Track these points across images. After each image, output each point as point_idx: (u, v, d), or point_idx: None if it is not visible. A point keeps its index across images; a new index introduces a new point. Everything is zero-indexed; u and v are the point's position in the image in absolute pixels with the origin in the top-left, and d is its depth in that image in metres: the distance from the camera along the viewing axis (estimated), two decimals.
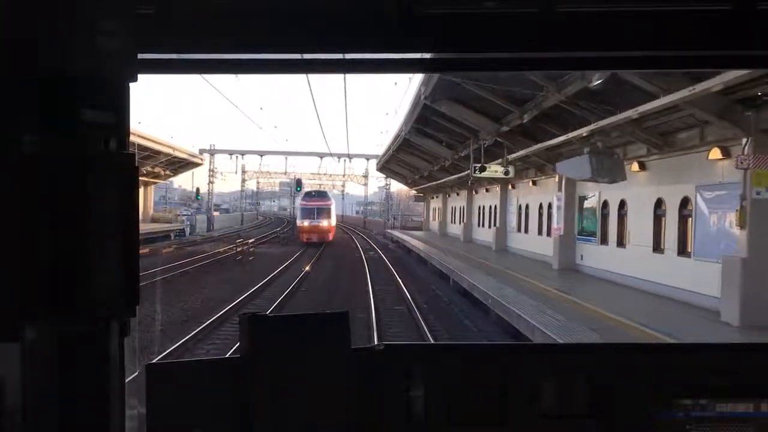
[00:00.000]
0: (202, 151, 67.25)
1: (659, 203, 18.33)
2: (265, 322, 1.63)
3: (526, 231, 31.61)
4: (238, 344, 1.66)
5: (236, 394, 1.57)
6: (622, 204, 20.84)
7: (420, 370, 1.77)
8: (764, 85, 12.02)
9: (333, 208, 52.22)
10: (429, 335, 15.36)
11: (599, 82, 13.36)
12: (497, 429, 1.79)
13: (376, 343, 11.43)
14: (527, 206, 31.48)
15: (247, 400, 1.57)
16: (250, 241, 44.49)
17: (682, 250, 17.01)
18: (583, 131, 17.66)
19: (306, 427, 1.61)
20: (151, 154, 45.99)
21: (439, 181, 44.44)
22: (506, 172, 25.90)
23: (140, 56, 1.25)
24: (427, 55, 1.57)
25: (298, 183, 65.37)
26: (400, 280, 25.52)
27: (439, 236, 51.00)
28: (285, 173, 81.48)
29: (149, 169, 49.38)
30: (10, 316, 1.01)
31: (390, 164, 56.81)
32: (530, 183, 30.13)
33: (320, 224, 48.48)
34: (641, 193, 19.17)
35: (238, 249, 37.26)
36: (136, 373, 2.94)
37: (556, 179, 25.04)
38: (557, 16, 1.44)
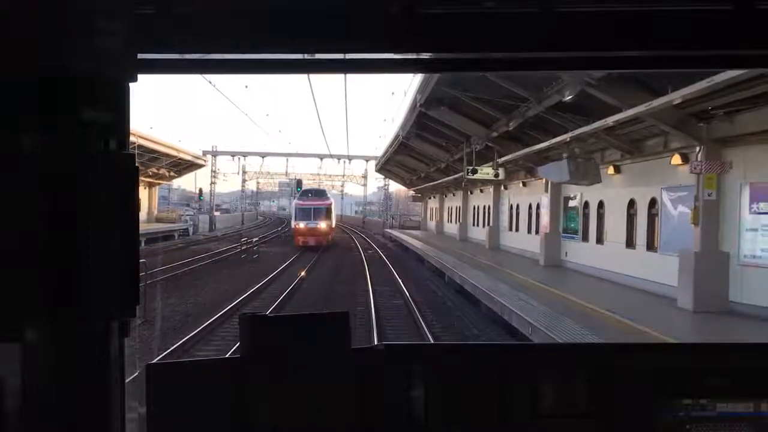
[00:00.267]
0: (205, 153, 68.30)
1: (632, 203, 19.97)
2: (265, 322, 1.61)
3: (517, 230, 32.85)
4: (238, 344, 1.67)
5: (236, 394, 1.55)
6: (601, 204, 22.36)
7: (420, 370, 1.75)
8: (713, 99, 13.73)
9: (333, 208, 49.17)
10: (427, 333, 16.75)
11: (570, 97, 15.13)
12: (497, 429, 1.77)
13: (375, 342, 12.98)
14: (518, 206, 32.72)
15: (247, 400, 1.56)
16: (254, 240, 46.16)
17: (651, 246, 18.67)
18: (564, 138, 19.31)
19: (306, 427, 1.60)
20: (158, 157, 47.31)
21: (435, 182, 45.28)
22: (496, 174, 27.73)
23: (140, 56, 1.26)
24: (428, 55, 1.57)
25: (299, 184, 64.81)
26: (397, 277, 27.07)
27: (436, 235, 52.17)
28: (286, 174, 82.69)
29: (155, 170, 50.61)
30: (10, 316, 1.01)
31: (388, 165, 57.66)
32: (520, 184, 31.32)
33: (318, 226, 44.43)
34: (617, 194, 20.79)
35: (243, 247, 39.19)
36: (137, 373, 2.97)
37: (544, 181, 26.20)
38: (557, 16, 1.43)
